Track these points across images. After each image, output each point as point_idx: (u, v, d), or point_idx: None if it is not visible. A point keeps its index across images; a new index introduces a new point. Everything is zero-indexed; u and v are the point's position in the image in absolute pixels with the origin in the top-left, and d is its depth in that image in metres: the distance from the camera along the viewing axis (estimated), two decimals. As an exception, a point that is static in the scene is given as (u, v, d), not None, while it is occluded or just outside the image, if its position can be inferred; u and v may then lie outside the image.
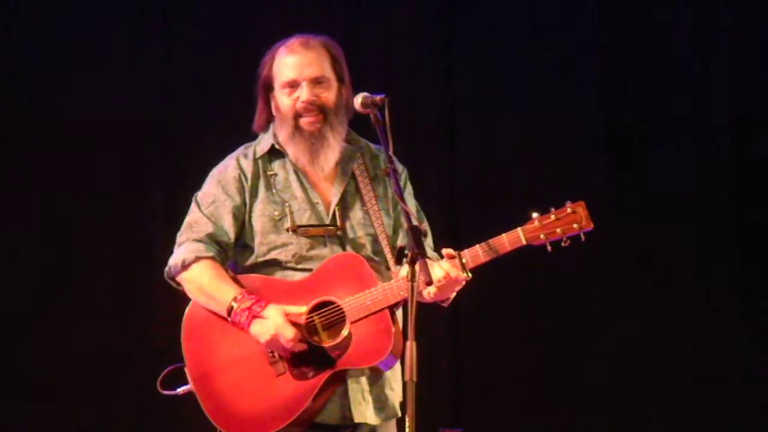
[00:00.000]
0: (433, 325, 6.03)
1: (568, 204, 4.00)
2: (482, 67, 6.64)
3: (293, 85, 4.15)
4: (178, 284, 4.17)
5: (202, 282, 4.08)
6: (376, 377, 4.13)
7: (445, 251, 4.02)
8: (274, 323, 3.98)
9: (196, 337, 4.09)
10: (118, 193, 6.24)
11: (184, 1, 6.37)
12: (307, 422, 4.02)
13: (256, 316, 4.00)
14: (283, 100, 4.17)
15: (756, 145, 6.61)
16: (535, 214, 3.99)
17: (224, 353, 4.05)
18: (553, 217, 3.98)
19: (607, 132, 6.67)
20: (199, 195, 4.21)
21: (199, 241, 4.12)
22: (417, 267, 3.61)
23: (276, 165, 4.21)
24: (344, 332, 3.99)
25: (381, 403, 4.14)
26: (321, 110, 4.15)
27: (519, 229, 3.99)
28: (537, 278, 6.43)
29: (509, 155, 6.62)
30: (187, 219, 4.20)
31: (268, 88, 4.22)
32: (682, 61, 6.65)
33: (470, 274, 3.99)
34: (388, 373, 4.16)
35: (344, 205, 4.19)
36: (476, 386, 6.53)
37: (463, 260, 3.97)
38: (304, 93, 4.13)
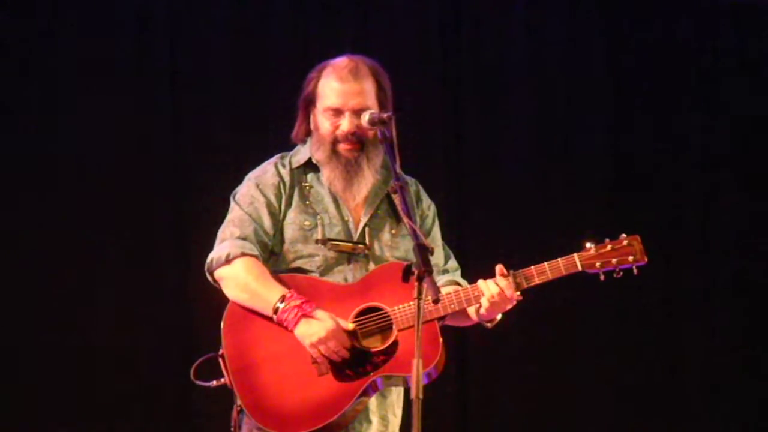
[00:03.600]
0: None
1: (623, 237, 4.08)
2: (488, 75, 6.67)
3: (337, 112, 4.16)
4: (215, 281, 4.15)
5: (247, 278, 4.06)
6: (383, 398, 4.13)
7: (498, 268, 4.06)
8: (324, 326, 3.97)
9: (237, 330, 4.07)
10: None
11: (189, 29, 6.34)
12: (343, 425, 4.02)
13: (306, 315, 3.99)
14: (324, 123, 4.19)
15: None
16: (589, 244, 4.07)
17: (266, 348, 4.04)
18: (609, 247, 4.07)
19: (615, 135, 6.69)
20: (238, 195, 4.22)
21: (244, 238, 4.12)
22: (424, 285, 3.59)
23: (310, 177, 4.24)
24: (392, 338, 4.00)
25: (384, 426, 4.15)
26: (359, 141, 4.17)
27: (575, 255, 4.06)
28: (544, 298, 6.44)
29: (515, 162, 6.64)
30: (230, 216, 4.18)
31: (310, 104, 4.23)
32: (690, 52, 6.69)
33: (521, 295, 4.05)
34: (393, 398, 4.17)
35: (373, 225, 4.22)
36: (482, 405, 6.53)
37: (518, 280, 4.01)
38: (345, 123, 4.15)
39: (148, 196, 6.20)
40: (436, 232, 4.34)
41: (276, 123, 5.98)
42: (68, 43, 6.13)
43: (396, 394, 4.19)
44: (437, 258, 4.30)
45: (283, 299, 4.01)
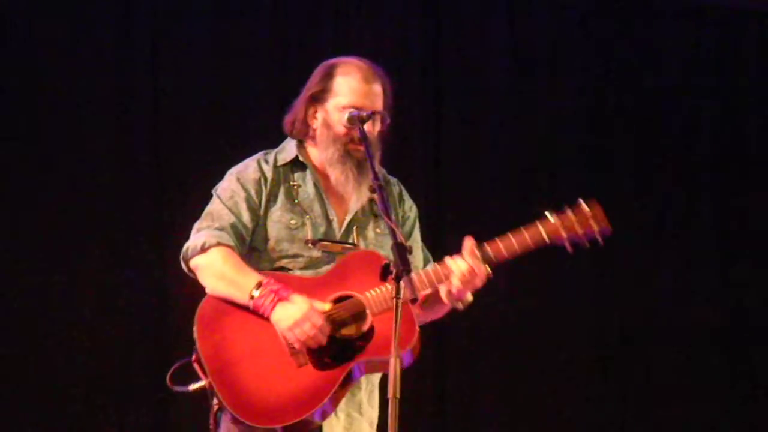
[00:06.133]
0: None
1: (581, 201, 3.99)
2: (468, 78, 6.68)
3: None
4: (191, 270, 4.13)
5: (223, 267, 4.04)
6: (351, 396, 4.11)
7: (467, 243, 4.00)
8: (299, 309, 3.95)
9: (211, 330, 4.04)
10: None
11: (173, 34, 6.35)
12: (328, 413, 4.00)
13: (282, 299, 3.97)
14: (339, 122, 4.14)
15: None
16: (547, 212, 3.97)
17: (243, 345, 4.02)
18: (571, 215, 3.96)
19: (593, 139, 6.71)
20: (219, 189, 4.20)
21: (221, 229, 4.10)
22: (402, 283, 3.60)
23: (297, 176, 4.21)
24: (367, 324, 4.00)
25: (349, 423, 4.14)
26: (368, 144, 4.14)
27: (538, 225, 3.98)
28: (522, 296, 6.46)
29: (494, 165, 6.66)
30: (208, 209, 4.16)
31: (317, 100, 4.19)
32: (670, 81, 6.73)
33: (491, 270, 3.99)
34: (362, 396, 4.17)
35: (358, 224, 4.21)
36: (460, 405, 6.53)
37: (486, 254, 3.97)
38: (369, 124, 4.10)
39: (127, 196, 6.20)
40: (417, 233, 4.33)
41: (256, 123, 6.04)
42: (49, 31, 6.12)
43: (366, 392, 4.18)
44: (416, 260, 4.29)
45: (259, 286, 4.00)
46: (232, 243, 4.09)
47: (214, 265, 4.06)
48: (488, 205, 6.52)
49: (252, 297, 4.00)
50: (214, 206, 4.16)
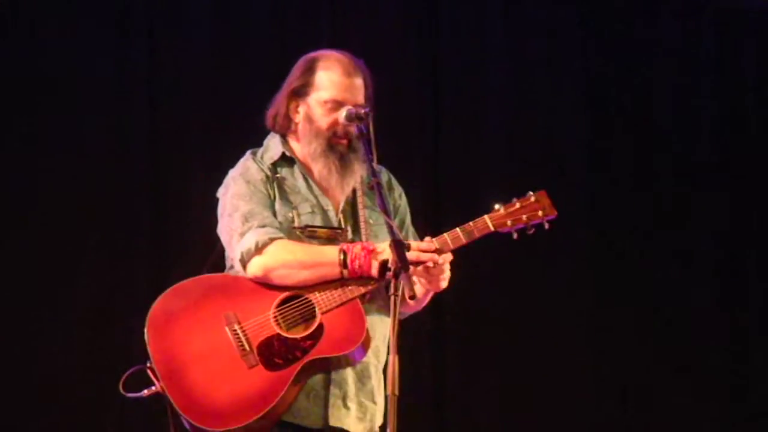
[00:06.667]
0: (417, 338, 6.05)
1: (530, 193, 4.08)
2: (466, 64, 6.68)
3: (338, 105, 4.13)
4: (254, 274, 4.09)
5: (296, 257, 4.03)
6: (361, 384, 4.14)
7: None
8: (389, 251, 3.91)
9: (162, 335, 4.05)
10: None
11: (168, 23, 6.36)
12: (281, 412, 4.01)
13: (374, 251, 3.99)
14: (321, 116, 4.16)
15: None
16: (498, 205, 4.07)
17: (193, 349, 4.03)
18: (518, 204, 4.07)
19: (591, 127, 6.71)
20: (232, 194, 4.17)
21: (263, 226, 4.08)
22: (400, 280, 3.62)
23: (284, 171, 4.22)
24: (315, 323, 4.01)
25: (362, 413, 4.15)
26: (350, 137, 4.15)
27: (486, 216, 4.06)
28: (519, 290, 6.46)
29: (492, 154, 6.66)
30: (240, 212, 4.12)
31: (298, 94, 4.20)
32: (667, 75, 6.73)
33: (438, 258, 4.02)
34: (374, 384, 4.17)
35: (352, 212, 4.22)
36: (459, 400, 6.53)
37: (434, 247, 3.99)
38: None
39: (125, 195, 6.20)
40: (408, 220, 4.35)
41: (254, 124, 6.03)
42: (48, 34, 6.13)
43: (376, 381, 4.18)
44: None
45: (342, 251, 4.01)
46: (280, 234, 4.07)
47: (286, 261, 4.04)
48: (487, 203, 6.51)
49: (344, 264, 4.00)
50: (242, 209, 4.13)
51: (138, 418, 5.95)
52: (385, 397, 3.56)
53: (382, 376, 4.19)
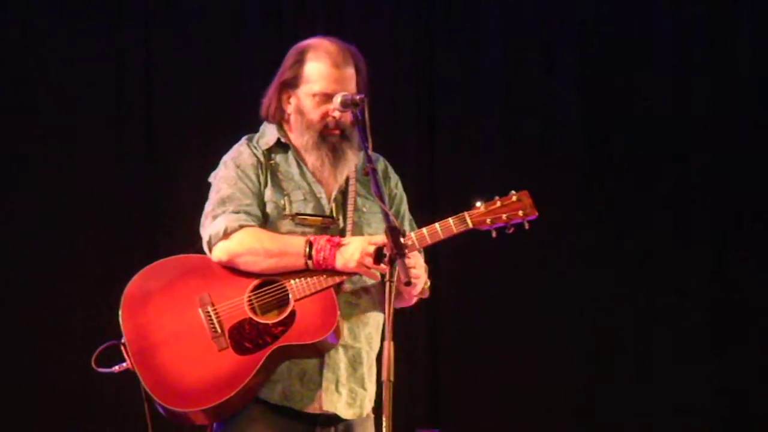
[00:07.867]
0: (411, 324, 6.05)
1: (513, 192, 4.06)
2: (462, 53, 6.69)
3: (327, 98, 4.13)
4: (218, 258, 4.09)
5: (262, 245, 4.03)
6: (353, 370, 4.13)
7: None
8: (359, 241, 3.98)
9: (135, 314, 4.05)
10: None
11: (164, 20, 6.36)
12: (249, 397, 4.01)
13: (339, 245, 3.99)
14: (312, 109, 4.16)
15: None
16: (479, 202, 4.05)
17: (165, 329, 4.03)
18: (499, 203, 4.05)
19: (584, 126, 6.70)
20: (219, 177, 4.18)
21: (237, 212, 4.09)
22: (396, 267, 3.63)
23: (279, 157, 4.21)
24: (288, 309, 4.01)
25: (352, 399, 4.14)
26: (342, 127, 4.16)
27: (465, 213, 4.04)
28: (514, 278, 6.45)
29: (488, 144, 6.66)
30: (217, 195, 4.13)
31: (290, 85, 4.19)
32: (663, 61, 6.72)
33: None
34: (365, 370, 4.17)
35: (343, 200, 4.21)
36: (454, 386, 6.54)
37: (409, 242, 3.98)
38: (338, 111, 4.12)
39: (122, 194, 6.19)
40: (405, 207, 4.35)
41: (249, 119, 6.02)
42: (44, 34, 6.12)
43: (367, 367, 4.18)
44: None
45: (309, 243, 4.02)
46: (252, 222, 4.08)
47: (252, 248, 4.05)
48: (483, 196, 6.50)
49: (309, 255, 4.01)
50: (222, 192, 4.14)
51: (138, 419, 5.95)
52: (380, 383, 3.56)
53: (374, 363, 4.19)
